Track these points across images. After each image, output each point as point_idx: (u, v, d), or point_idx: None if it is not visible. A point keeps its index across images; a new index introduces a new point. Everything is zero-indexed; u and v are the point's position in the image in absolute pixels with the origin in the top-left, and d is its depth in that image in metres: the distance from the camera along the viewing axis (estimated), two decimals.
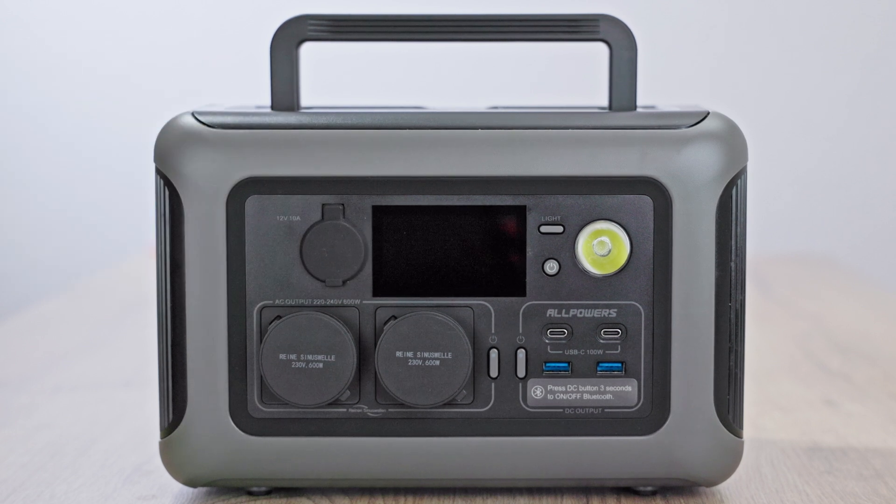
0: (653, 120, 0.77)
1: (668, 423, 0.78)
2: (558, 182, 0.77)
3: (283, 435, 0.77)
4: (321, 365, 0.76)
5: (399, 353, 0.76)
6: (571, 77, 2.24)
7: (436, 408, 0.77)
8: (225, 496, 0.79)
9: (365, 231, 0.77)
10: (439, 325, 0.76)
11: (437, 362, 0.76)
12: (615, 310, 0.77)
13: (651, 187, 0.76)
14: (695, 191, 0.76)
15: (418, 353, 0.76)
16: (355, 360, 0.76)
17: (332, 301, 0.77)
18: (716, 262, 0.77)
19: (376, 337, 0.77)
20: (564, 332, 0.77)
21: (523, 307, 0.77)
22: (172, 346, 0.77)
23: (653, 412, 0.78)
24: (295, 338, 0.76)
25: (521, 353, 0.77)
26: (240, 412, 0.77)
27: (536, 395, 0.78)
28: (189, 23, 2.52)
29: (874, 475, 0.84)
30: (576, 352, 0.77)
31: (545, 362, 0.78)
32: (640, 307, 0.77)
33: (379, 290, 0.77)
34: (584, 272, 0.77)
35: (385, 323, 0.77)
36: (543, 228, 0.77)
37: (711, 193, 0.76)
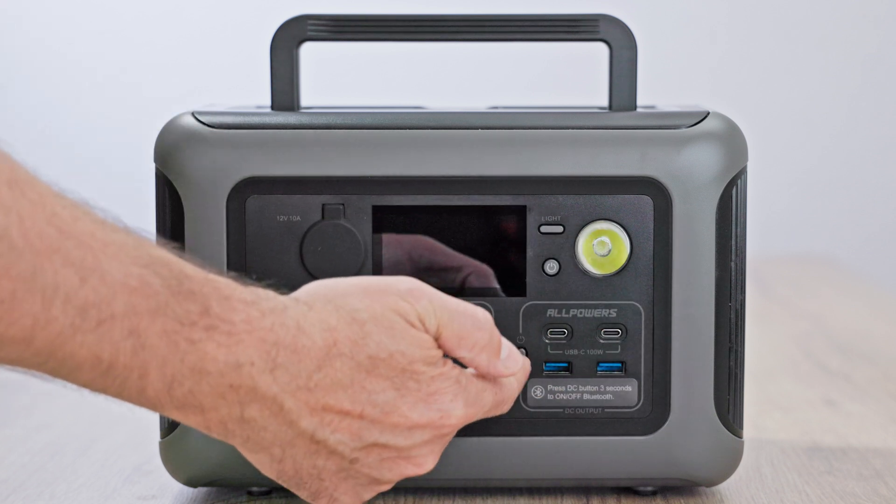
0: (653, 120, 0.77)
1: (668, 423, 0.78)
2: (558, 182, 0.77)
3: None
4: None
5: None
6: (571, 77, 2.24)
7: None
8: (225, 496, 0.79)
9: (365, 231, 0.77)
10: None
11: None
12: (615, 310, 0.77)
13: (651, 187, 0.76)
14: (695, 191, 0.76)
15: None
16: None
17: None
18: (716, 262, 0.77)
19: None
20: (564, 332, 0.77)
21: (523, 307, 0.77)
22: None
23: (653, 412, 0.78)
24: None
25: (521, 353, 0.77)
26: None
27: (536, 395, 0.78)
28: (189, 23, 2.51)
29: (874, 475, 0.84)
30: (576, 352, 0.77)
31: (545, 362, 0.78)
32: (640, 307, 0.77)
33: None
34: (584, 272, 0.77)
35: None
36: (543, 228, 0.77)
37: (711, 193, 0.76)
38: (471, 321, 0.70)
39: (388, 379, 0.67)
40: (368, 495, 0.70)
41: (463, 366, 0.71)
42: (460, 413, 0.69)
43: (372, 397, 0.66)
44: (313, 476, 0.68)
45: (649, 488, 0.79)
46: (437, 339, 0.69)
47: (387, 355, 0.67)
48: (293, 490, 0.70)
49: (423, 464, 0.70)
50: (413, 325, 0.68)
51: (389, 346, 0.67)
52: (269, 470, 0.68)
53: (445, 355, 0.70)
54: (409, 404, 0.67)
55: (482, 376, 0.71)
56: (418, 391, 0.68)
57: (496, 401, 0.72)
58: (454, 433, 0.70)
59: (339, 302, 0.67)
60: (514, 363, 0.72)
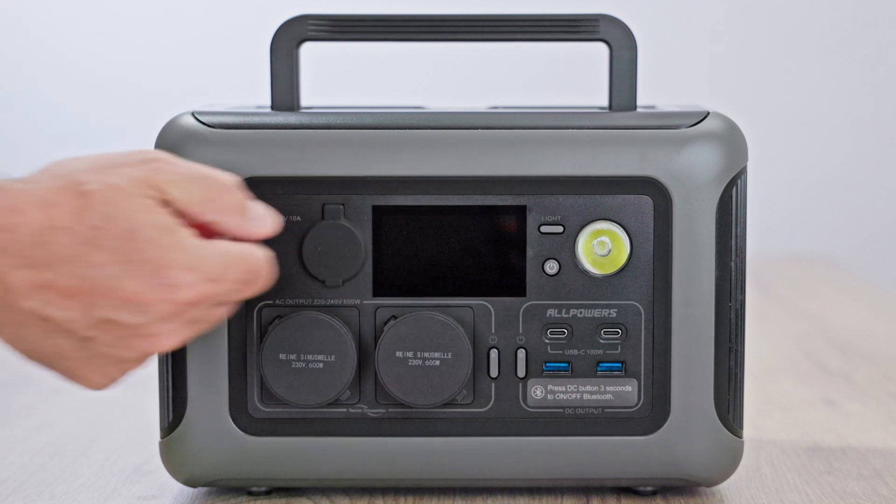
0: (653, 120, 0.77)
1: (668, 423, 0.78)
2: (558, 182, 0.77)
3: (283, 435, 0.77)
4: (321, 365, 0.76)
5: (399, 353, 0.76)
6: (571, 77, 2.24)
7: (436, 408, 0.77)
8: (225, 496, 0.79)
9: (365, 231, 0.77)
10: (439, 325, 0.76)
11: (438, 362, 0.76)
12: (615, 310, 0.77)
13: (651, 187, 0.76)
14: (695, 191, 0.76)
15: (418, 353, 0.76)
16: (355, 360, 0.76)
17: (332, 301, 0.77)
18: (716, 262, 0.77)
19: (376, 337, 0.77)
20: (564, 332, 0.77)
21: (523, 307, 0.77)
22: None
23: (653, 412, 0.78)
24: (295, 338, 0.76)
25: (522, 353, 0.77)
26: (240, 412, 0.77)
27: (536, 395, 0.78)
28: (189, 22, 2.51)
29: (874, 475, 0.84)
30: (576, 352, 0.77)
31: (545, 362, 0.78)
32: (640, 307, 0.77)
33: (379, 290, 0.77)
34: (584, 272, 0.77)
35: (385, 323, 0.77)
36: (543, 228, 0.77)
37: (711, 193, 0.76)
38: (216, 185, 0.68)
39: (112, 251, 0.64)
40: (118, 374, 0.69)
41: (210, 238, 0.68)
42: (195, 286, 0.66)
43: (96, 271, 0.64)
44: (58, 356, 0.67)
45: (649, 488, 0.79)
46: (185, 207, 0.66)
47: (110, 224, 0.64)
48: (50, 371, 0.68)
49: (161, 342, 0.67)
50: (145, 195, 0.65)
51: (113, 213, 0.64)
52: (19, 354, 0.67)
53: (191, 230, 0.67)
54: (135, 278, 0.65)
55: (234, 241, 0.69)
56: (145, 263, 0.65)
57: (243, 272, 0.68)
58: (202, 312, 0.68)
59: (69, 178, 0.65)
60: (262, 224, 0.70)
